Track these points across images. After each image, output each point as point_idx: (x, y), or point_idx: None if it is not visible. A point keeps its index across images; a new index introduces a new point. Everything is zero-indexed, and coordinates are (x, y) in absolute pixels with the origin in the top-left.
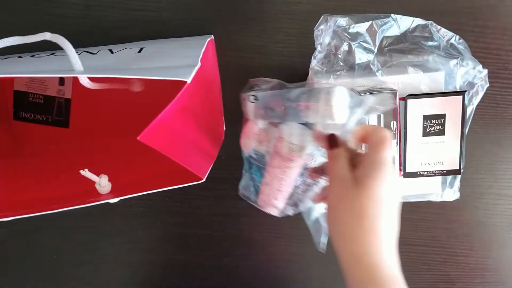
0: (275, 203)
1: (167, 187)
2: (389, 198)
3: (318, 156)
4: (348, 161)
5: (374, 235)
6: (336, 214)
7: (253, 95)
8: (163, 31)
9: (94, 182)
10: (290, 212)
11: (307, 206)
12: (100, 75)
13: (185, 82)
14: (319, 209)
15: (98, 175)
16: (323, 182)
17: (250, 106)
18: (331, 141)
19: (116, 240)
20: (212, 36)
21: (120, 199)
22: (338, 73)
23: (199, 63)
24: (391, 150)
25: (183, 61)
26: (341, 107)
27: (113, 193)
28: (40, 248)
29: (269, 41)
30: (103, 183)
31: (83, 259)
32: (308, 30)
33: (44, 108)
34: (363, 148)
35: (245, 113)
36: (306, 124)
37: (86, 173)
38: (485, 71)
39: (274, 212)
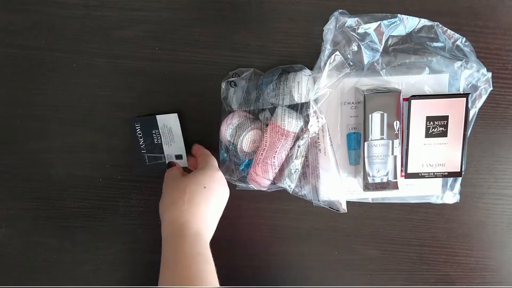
0: (266, 177)
1: None
2: (209, 185)
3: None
4: (180, 172)
5: (192, 206)
6: (166, 192)
7: (233, 81)
8: (163, 31)
9: None
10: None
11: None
12: None
13: None
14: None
15: None
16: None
17: (230, 92)
18: (169, 165)
19: (116, 240)
20: None
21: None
22: (347, 71)
23: None
24: (212, 159)
25: None
26: (303, 86)
27: None
28: (40, 248)
29: (269, 41)
30: None
31: (83, 259)
32: (308, 30)
33: None
34: None
35: (226, 103)
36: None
37: None
38: (489, 74)
39: (263, 185)
